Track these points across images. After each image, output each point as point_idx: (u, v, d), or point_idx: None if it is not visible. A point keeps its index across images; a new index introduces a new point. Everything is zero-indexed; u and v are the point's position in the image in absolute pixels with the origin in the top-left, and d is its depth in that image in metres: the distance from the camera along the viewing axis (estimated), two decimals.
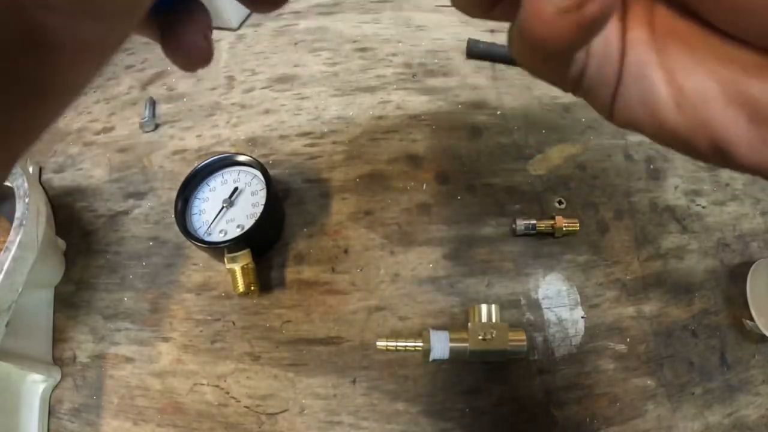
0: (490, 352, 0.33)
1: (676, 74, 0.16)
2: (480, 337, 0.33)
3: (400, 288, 0.38)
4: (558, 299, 0.37)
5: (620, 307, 0.37)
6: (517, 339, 0.33)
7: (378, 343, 0.34)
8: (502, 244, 0.40)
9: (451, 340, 0.33)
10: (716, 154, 0.16)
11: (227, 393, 0.36)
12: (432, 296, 0.38)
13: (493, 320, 0.34)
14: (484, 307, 0.34)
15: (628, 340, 0.36)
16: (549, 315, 0.37)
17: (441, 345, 0.33)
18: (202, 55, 0.18)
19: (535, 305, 0.37)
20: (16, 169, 0.37)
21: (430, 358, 0.33)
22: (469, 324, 0.34)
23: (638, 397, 0.34)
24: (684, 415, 0.34)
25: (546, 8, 0.13)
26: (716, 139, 0.15)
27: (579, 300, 0.37)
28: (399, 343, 0.34)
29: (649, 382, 0.35)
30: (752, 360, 0.36)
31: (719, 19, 0.15)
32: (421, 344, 0.34)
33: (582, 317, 0.37)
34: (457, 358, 0.34)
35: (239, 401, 0.36)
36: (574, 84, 0.18)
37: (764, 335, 0.35)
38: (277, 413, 0.35)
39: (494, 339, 0.33)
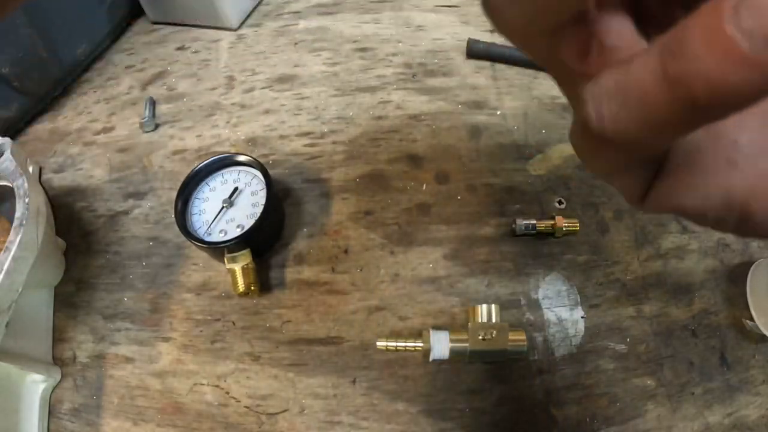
0: (490, 352, 0.33)
1: (726, 129, 0.13)
2: (480, 337, 0.33)
3: (400, 288, 0.38)
4: (558, 299, 0.37)
5: (620, 307, 0.37)
6: (517, 339, 0.33)
7: (378, 343, 0.34)
8: (502, 244, 0.40)
9: (451, 340, 0.33)
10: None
11: (227, 393, 0.36)
12: (432, 296, 0.38)
13: (494, 320, 0.34)
14: (484, 307, 0.34)
15: (628, 340, 0.36)
16: (549, 315, 0.37)
17: (441, 345, 0.33)
18: None
19: (535, 305, 0.37)
20: (17, 169, 0.37)
21: (430, 358, 0.33)
22: (469, 324, 0.34)
23: (638, 397, 0.34)
24: (684, 415, 0.34)
25: (740, 41, 0.08)
26: None
27: (579, 300, 0.37)
28: (399, 343, 0.34)
29: (649, 382, 0.35)
30: (752, 360, 0.36)
31: None
32: (421, 344, 0.34)
33: (582, 317, 0.37)
34: (457, 358, 0.34)
35: (239, 401, 0.36)
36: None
37: (764, 335, 0.35)
38: (277, 413, 0.35)
39: (494, 339, 0.33)
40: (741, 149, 0.13)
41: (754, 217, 0.13)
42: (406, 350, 0.34)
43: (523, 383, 0.35)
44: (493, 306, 0.34)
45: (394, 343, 0.34)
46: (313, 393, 0.35)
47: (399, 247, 0.40)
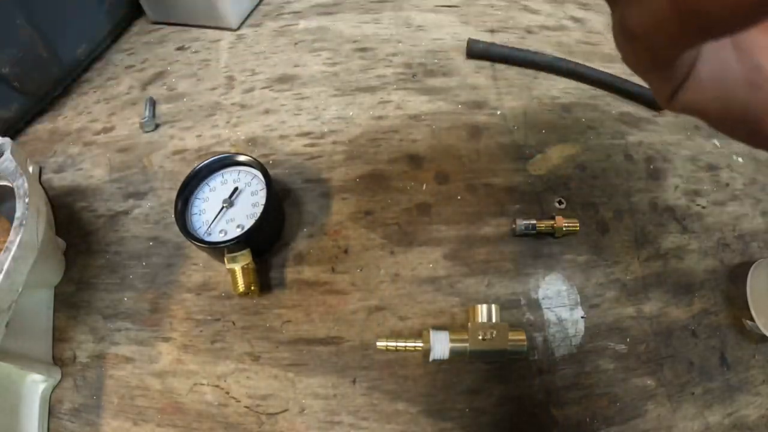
0: (490, 352, 0.33)
1: (754, 53, 0.16)
2: (480, 337, 0.33)
3: (400, 288, 0.38)
4: (558, 299, 0.37)
5: (620, 307, 0.37)
6: (517, 339, 0.33)
7: (378, 343, 0.34)
8: (502, 244, 0.40)
9: (451, 340, 0.33)
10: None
11: (227, 393, 0.36)
12: (432, 296, 0.38)
13: (494, 320, 0.34)
14: (484, 307, 0.34)
15: (628, 340, 0.36)
16: (549, 315, 0.37)
17: (441, 345, 0.33)
18: None
19: (535, 305, 0.37)
20: (17, 169, 0.37)
21: (430, 358, 0.33)
22: (469, 324, 0.34)
23: (638, 397, 0.34)
24: (684, 415, 0.34)
25: None
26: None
27: (579, 300, 0.37)
28: (399, 343, 0.34)
29: (649, 382, 0.35)
30: (752, 360, 0.36)
31: None
32: (421, 344, 0.34)
33: (582, 317, 0.37)
34: (457, 358, 0.34)
35: (239, 401, 0.36)
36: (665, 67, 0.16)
37: (764, 335, 0.35)
38: (277, 413, 0.35)
39: (494, 339, 0.33)
40: (763, 71, 0.15)
41: (765, 131, 0.16)
42: (406, 350, 0.34)
43: (523, 383, 0.35)
44: (493, 306, 0.34)
45: (394, 343, 0.34)
46: (313, 393, 0.35)
47: (399, 247, 0.40)
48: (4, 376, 0.35)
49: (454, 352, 0.33)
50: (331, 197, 0.42)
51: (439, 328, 0.35)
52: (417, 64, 0.50)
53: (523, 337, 0.34)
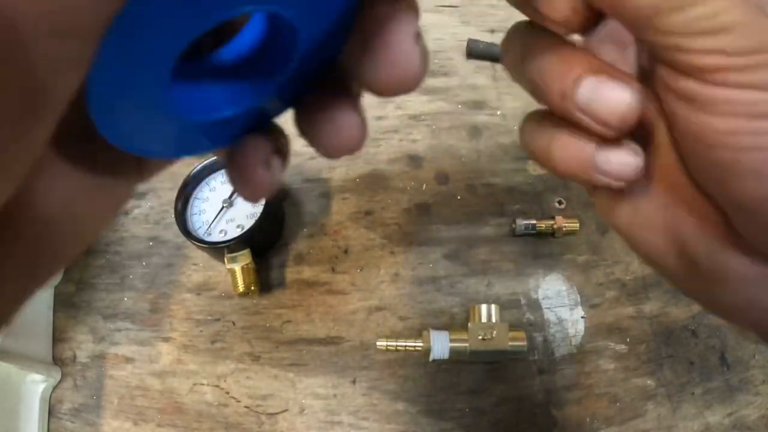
0: (490, 352, 0.33)
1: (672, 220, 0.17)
2: (480, 337, 0.33)
3: (400, 288, 0.38)
4: (558, 299, 0.37)
5: (620, 307, 0.37)
6: (517, 339, 0.33)
7: (378, 343, 0.34)
8: (502, 244, 0.40)
9: (451, 340, 0.33)
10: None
11: (227, 393, 0.36)
12: (432, 296, 0.38)
13: (494, 320, 0.34)
14: (484, 307, 0.34)
15: (628, 340, 0.36)
16: (549, 315, 0.37)
17: (441, 345, 0.33)
18: (258, 186, 0.15)
19: (535, 305, 0.37)
20: None
21: (431, 358, 0.33)
22: (470, 324, 0.34)
23: (638, 397, 0.34)
24: (684, 415, 0.34)
25: None
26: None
27: (579, 300, 0.37)
28: (399, 343, 0.34)
29: (649, 382, 0.35)
30: (752, 360, 0.36)
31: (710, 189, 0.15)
32: (421, 344, 0.34)
33: (582, 317, 0.37)
34: (457, 358, 0.34)
35: (239, 401, 0.36)
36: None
37: None
38: (277, 413, 0.35)
39: (494, 339, 0.33)
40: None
41: None
42: (406, 350, 0.34)
43: (523, 383, 0.35)
44: (493, 306, 0.34)
45: (394, 343, 0.34)
46: (313, 393, 0.35)
47: (399, 247, 0.40)
48: (4, 376, 0.35)
49: (454, 352, 0.33)
50: (331, 197, 0.42)
51: (439, 328, 0.35)
52: None
53: (523, 336, 0.34)
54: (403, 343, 0.34)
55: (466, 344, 0.33)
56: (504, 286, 0.38)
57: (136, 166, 0.14)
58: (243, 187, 0.15)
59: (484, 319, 0.34)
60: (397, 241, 0.40)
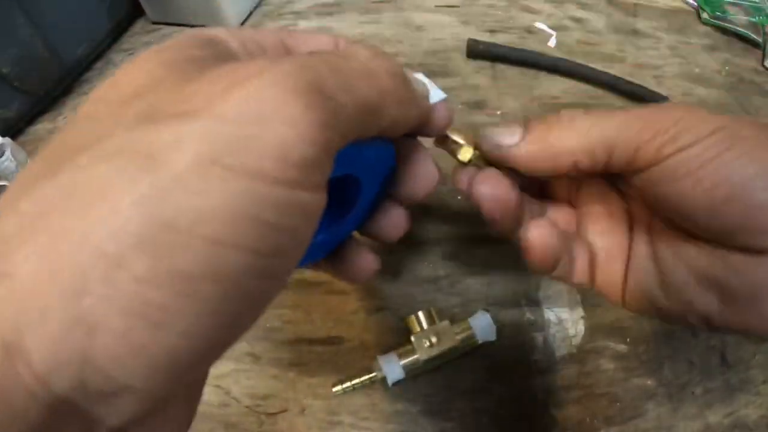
0: (444, 354, 0.33)
1: (663, 267, 0.21)
2: (426, 345, 0.33)
3: (400, 288, 0.38)
4: (558, 299, 0.37)
5: (620, 306, 0.37)
6: (464, 330, 0.34)
7: (334, 390, 0.34)
8: (502, 244, 0.40)
9: (401, 357, 0.33)
10: (703, 324, 0.21)
11: (227, 393, 0.36)
12: (432, 296, 0.38)
13: (435, 323, 0.34)
14: (420, 314, 0.34)
15: (628, 340, 0.36)
16: (549, 315, 0.37)
17: (392, 367, 0.33)
18: (365, 273, 0.24)
19: (535, 305, 0.37)
20: (17, 169, 0.37)
21: (389, 384, 0.33)
22: (412, 337, 0.33)
23: (638, 397, 0.34)
24: (684, 414, 0.34)
25: None
26: (700, 314, 0.20)
27: (579, 300, 0.37)
28: (354, 382, 0.33)
29: (649, 382, 0.35)
30: (752, 360, 0.36)
31: (683, 225, 0.20)
32: (375, 374, 0.33)
33: (582, 317, 0.37)
34: (415, 372, 0.33)
35: (239, 401, 0.36)
36: (591, 279, 0.26)
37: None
38: (277, 413, 0.35)
39: (441, 341, 0.33)
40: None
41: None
42: (362, 385, 0.33)
43: (523, 383, 0.35)
44: (421, 312, 0.34)
45: (350, 383, 0.33)
46: (314, 393, 0.35)
47: (399, 247, 0.40)
48: None
49: (409, 369, 0.33)
50: None
51: (385, 349, 0.34)
52: (417, 65, 0.50)
53: (468, 326, 0.34)
54: (359, 380, 0.33)
55: (417, 356, 0.33)
56: (504, 286, 0.38)
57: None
58: (350, 278, 0.25)
59: (424, 326, 0.34)
60: (397, 240, 0.40)
